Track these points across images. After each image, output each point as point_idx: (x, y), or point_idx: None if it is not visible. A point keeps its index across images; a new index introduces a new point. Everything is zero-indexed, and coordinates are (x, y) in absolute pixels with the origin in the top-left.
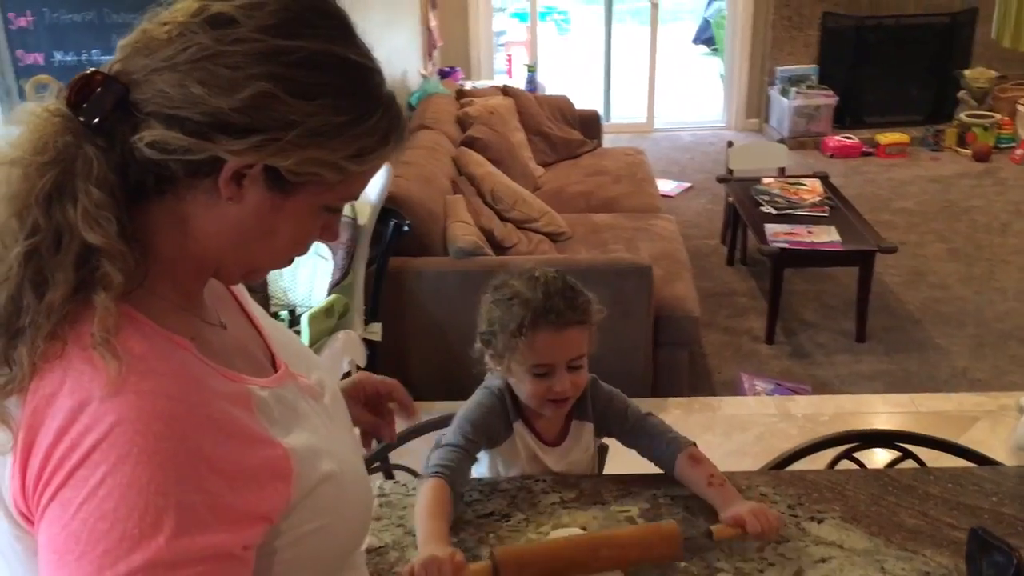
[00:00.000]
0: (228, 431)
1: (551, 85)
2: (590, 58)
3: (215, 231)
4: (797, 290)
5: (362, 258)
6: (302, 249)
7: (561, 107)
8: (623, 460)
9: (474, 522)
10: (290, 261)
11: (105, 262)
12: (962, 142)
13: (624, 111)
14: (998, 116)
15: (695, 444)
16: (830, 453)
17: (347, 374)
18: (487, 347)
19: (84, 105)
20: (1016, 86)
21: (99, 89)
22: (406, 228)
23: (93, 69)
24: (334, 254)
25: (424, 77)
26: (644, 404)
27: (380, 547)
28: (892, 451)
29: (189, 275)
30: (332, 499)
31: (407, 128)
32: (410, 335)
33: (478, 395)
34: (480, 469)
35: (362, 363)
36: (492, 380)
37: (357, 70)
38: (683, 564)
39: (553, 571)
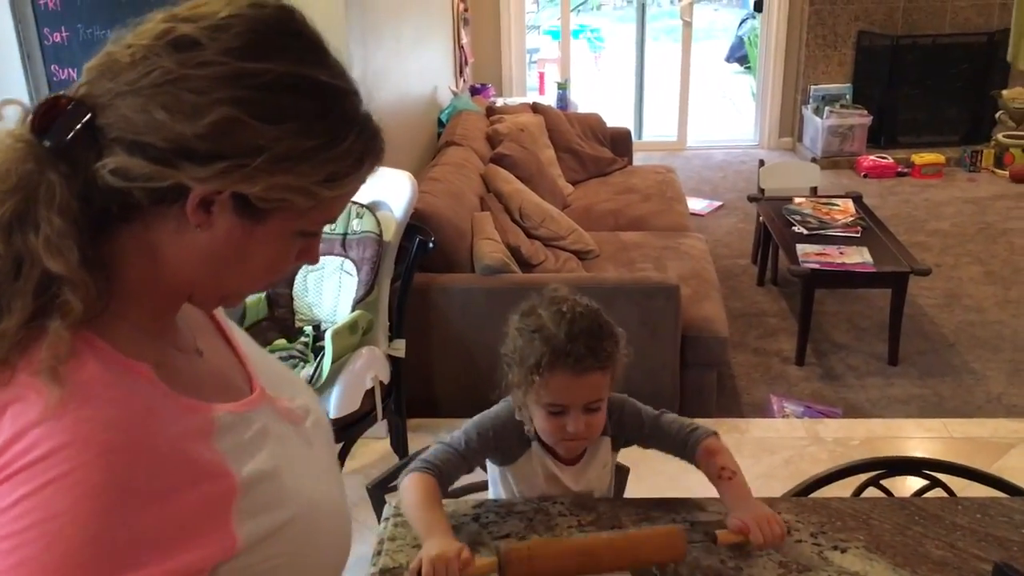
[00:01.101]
0: (169, 464)
1: (583, 103)
2: (622, 76)
3: (186, 258)
4: (828, 311)
5: (387, 274)
6: (278, 274)
7: (592, 125)
8: (644, 485)
9: (490, 545)
10: (269, 285)
11: (66, 290)
12: (999, 163)
13: (656, 129)
14: None
15: (716, 434)
16: (856, 480)
17: (370, 390)
18: (508, 370)
19: (49, 130)
20: None
21: (64, 113)
22: (431, 245)
23: (59, 93)
24: (359, 270)
25: (455, 94)
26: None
27: (394, 568)
28: (920, 479)
29: (160, 301)
30: (303, 529)
31: (383, 149)
32: (435, 352)
33: (499, 406)
34: (496, 490)
35: (385, 379)
36: (517, 396)
37: (328, 92)
38: None
39: (559, 569)
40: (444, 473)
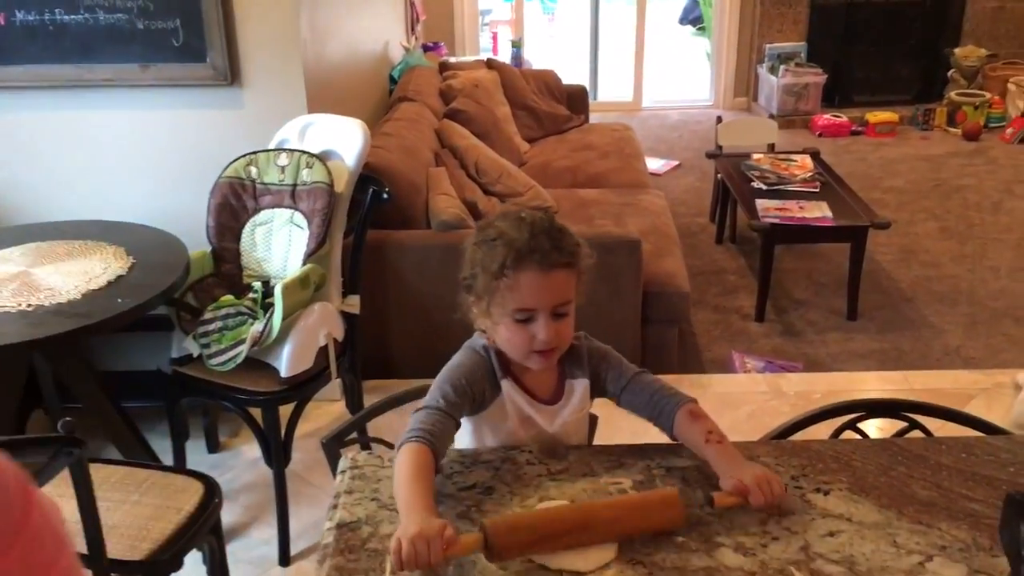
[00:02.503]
0: None
1: (537, 63)
2: (576, 38)
3: None
4: (787, 268)
5: (339, 227)
6: None
7: (547, 81)
8: (614, 433)
9: (455, 495)
10: None
11: None
12: (952, 121)
13: (611, 91)
14: (988, 95)
15: (695, 401)
16: (832, 424)
17: (324, 348)
18: (468, 292)
19: None
20: (1006, 65)
21: None
22: (385, 196)
23: None
24: (309, 222)
25: (407, 50)
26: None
27: (351, 522)
28: (896, 423)
29: None
30: None
31: None
32: (391, 310)
33: (459, 355)
34: (462, 440)
35: (339, 336)
36: (475, 340)
37: None
38: (681, 539)
39: (546, 541)
40: (438, 438)
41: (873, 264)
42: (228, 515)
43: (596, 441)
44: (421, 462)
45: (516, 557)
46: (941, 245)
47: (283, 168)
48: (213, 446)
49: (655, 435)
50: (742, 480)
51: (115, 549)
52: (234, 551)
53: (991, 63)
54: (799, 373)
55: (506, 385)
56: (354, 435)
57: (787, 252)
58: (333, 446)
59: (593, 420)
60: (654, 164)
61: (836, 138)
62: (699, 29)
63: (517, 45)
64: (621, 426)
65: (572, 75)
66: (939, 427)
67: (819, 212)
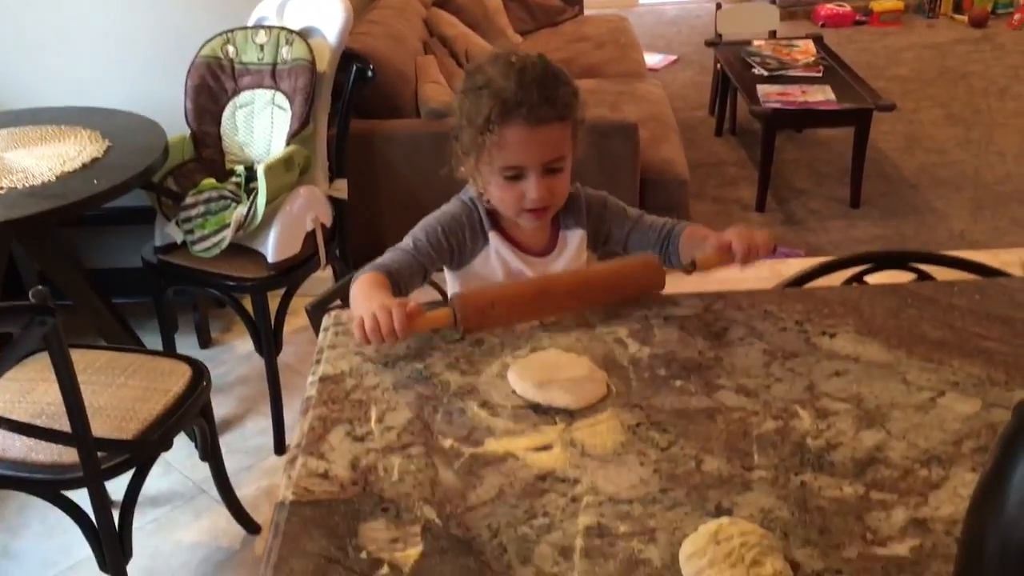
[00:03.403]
0: None
1: None
2: None
3: None
4: (789, 158)
5: (323, 108)
6: None
7: None
8: None
9: (442, 347)
10: None
11: None
12: (958, 8)
13: None
14: None
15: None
16: (838, 279)
17: (311, 232)
18: (456, 141)
19: None
20: None
21: None
22: (370, 74)
23: None
24: (291, 102)
25: None
26: None
27: (335, 375)
28: (907, 276)
29: None
30: None
31: None
32: (382, 200)
33: (447, 204)
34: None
35: (327, 222)
36: (466, 190)
37: None
38: (679, 382)
39: (522, 314)
40: (396, 273)
41: (877, 152)
42: (222, 408)
43: None
44: (379, 280)
45: (488, 327)
46: (946, 132)
47: (262, 46)
48: (205, 341)
49: None
50: (724, 237)
51: (101, 429)
52: (229, 442)
53: None
54: (801, 259)
55: (493, 237)
56: (339, 303)
57: (788, 142)
58: (318, 313)
59: None
60: (652, 59)
61: (839, 28)
62: None
63: None
64: None
65: None
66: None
67: (822, 96)
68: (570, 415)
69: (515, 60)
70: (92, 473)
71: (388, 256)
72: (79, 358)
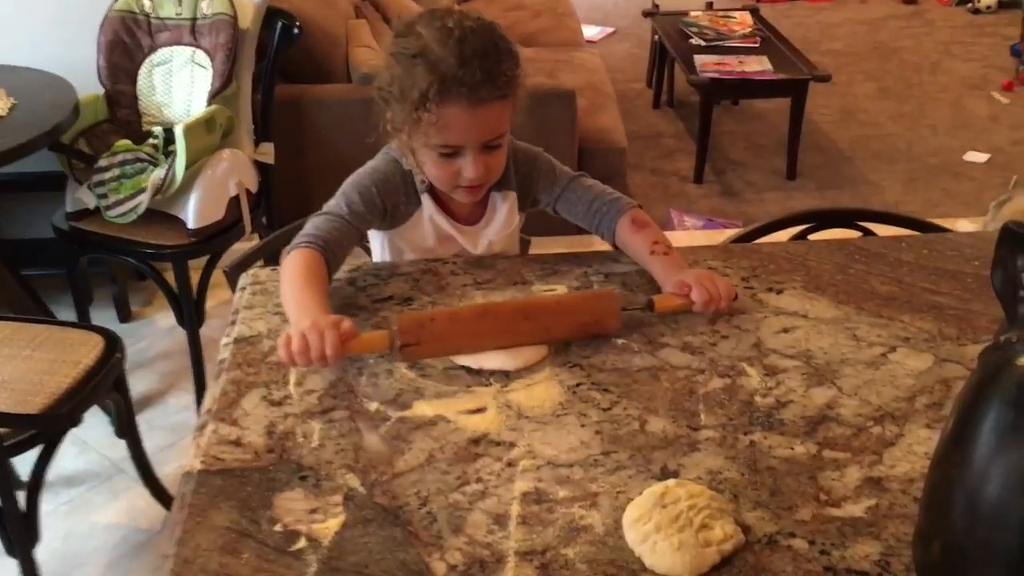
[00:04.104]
0: None
1: None
2: None
3: None
4: (726, 131)
5: (247, 67)
6: None
7: None
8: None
9: (368, 307)
10: None
11: None
12: None
13: None
14: None
15: (640, 206)
16: (785, 235)
17: (235, 197)
18: (386, 106)
19: None
20: None
21: None
22: (296, 31)
23: None
24: (212, 59)
25: None
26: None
27: (251, 336)
28: (853, 231)
29: None
30: None
31: None
32: (311, 169)
33: (375, 160)
34: (376, 256)
35: (253, 187)
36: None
37: None
38: (621, 340)
39: (465, 342)
40: (331, 245)
41: (812, 125)
42: (143, 384)
43: None
44: (312, 266)
45: (427, 356)
46: (880, 105)
47: (180, 0)
48: (124, 315)
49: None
50: (684, 280)
51: (5, 404)
52: (151, 419)
53: None
54: (739, 230)
55: (426, 201)
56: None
57: (725, 114)
58: (236, 274)
59: (525, 243)
60: (589, 31)
61: (774, 3)
62: None
63: None
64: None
65: None
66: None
67: (759, 66)
68: (505, 376)
69: (453, 26)
70: None
71: (321, 224)
72: None
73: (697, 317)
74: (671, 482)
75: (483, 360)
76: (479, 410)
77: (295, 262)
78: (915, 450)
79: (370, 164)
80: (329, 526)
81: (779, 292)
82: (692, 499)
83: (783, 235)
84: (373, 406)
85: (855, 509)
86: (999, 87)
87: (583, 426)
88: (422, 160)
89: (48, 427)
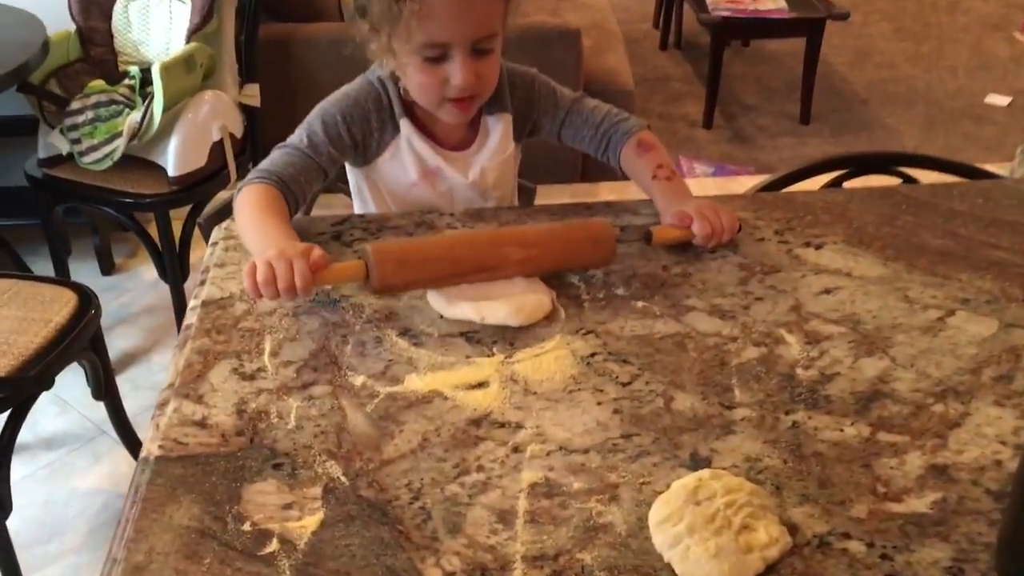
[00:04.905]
0: None
1: None
2: None
3: None
4: (736, 73)
5: (229, 3)
6: None
7: None
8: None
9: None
10: None
11: None
12: None
13: None
14: None
15: (648, 127)
16: (817, 183)
17: (218, 143)
18: (362, 17)
19: None
20: None
21: None
22: None
23: None
24: None
25: None
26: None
27: (222, 298)
28: (893, 178)
29: None
30: None
31: None
32: (300, 110)
33: (349, 85)
34: (362, 207)
35: (237, 131)
36: (373, 70)
37: None
38: (642, 303)
39: (447, 274)
40: (289, 181)
41: (826, 67)
42: (126, 340)
43: None
44: (269, 199)
45: (405, 288)
46: (896, 46)
47: None
48: (107, 268)
49: None
50: (684, 211)
51: None
52: (134, 378)
53: None
54: (751, 176)
55: (405, 126)
56: None
57: (736, 57)
58: (212, 226)
59: (529, 193)
60: None
61: None
62: None
63: None
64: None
65: None
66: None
67: (773, 5)
68: (510, 345)
69: None
70: None
71: (279, 158)
72: None
73: (726, 276)
74: (704, 473)
75: (484, 310)
76: (480, 385)
77: (250, 196)
78: (984, 432)
79: (341, 90)
80: (306, 525)
81: (818, 247)
82: (730, 494)
83: (813, 183)
84: (359, 380)
85: (919, 504)
86: (1020, 27)
87: (599, 404)
88: (405, 69)
89: (16, 391)
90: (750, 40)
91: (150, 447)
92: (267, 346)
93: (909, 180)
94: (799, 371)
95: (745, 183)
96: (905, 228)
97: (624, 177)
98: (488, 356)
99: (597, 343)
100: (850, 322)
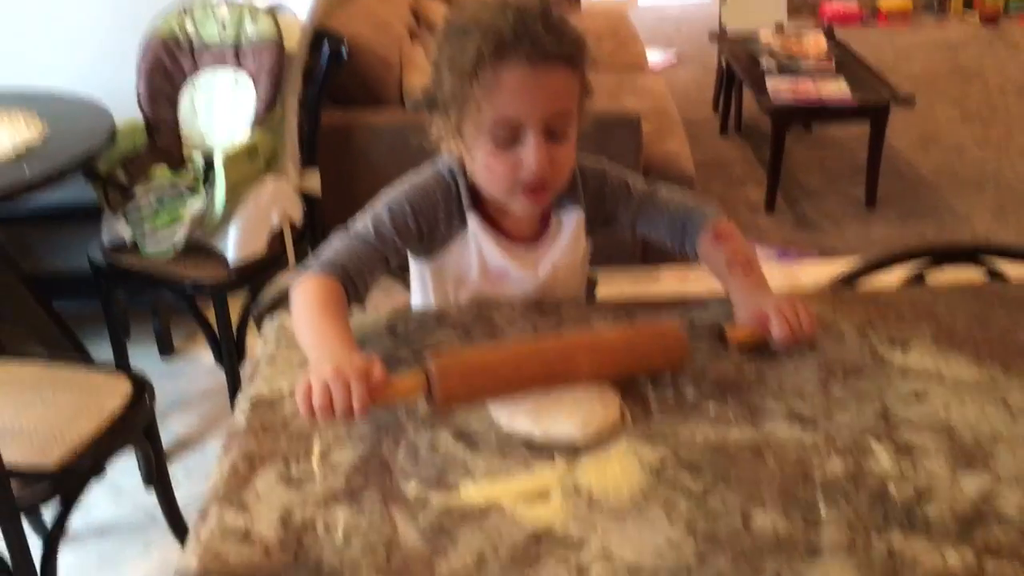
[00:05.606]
0: None
1: None
2: None
3: None
4: (798, 158)
5: (293, 92)
6: None
7: None
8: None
9: (410, 360)
10: None
11: None
12: (969, 5)
13: None
14: None
15: (724, 216)
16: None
17: (278, 231)
18: (432, 110)
19: None
20: None
21: None
22: (344, 55)
23: None
24: (256, 84)
25: None
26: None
27: (272, 396)
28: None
29: None
30: None
31: None
32: (362, 198)
33: (417, 173)
34: (422, 299)
35: (297, 217)
36: (442, 158)
37: None
38: (713, 406)
39: (511, 384)
40: (353, 272)
41: (891, 151)
42: (181, 425)
43: None
44: (328, 294)
45: (468, 401)
46: (963, 130)
47: (224, 22)
48: (166, 350)
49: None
50: (760, 309)
51: (20, 455)
52: (188, 464)
53: None
54: (817, 261)
55: (472, 220)
56: None
57: (797, 141)
58: (268, 315)
59: (592, 282)
60: (653, 57)
61: (846, 27)
62: None
63: None
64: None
65: None
66: None
67: (837, 90)
68: (574, 451)
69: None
70: (2, 508)
71: (342, 247)
72: (1, 373)
73: (804, 377)
74: None
75: (547, 425)
76: (541, 495)
77: (309, 289)
78: None
79: (408, 178)
80: None
81: (905, 348)
82: None
83: (890, 274)
84: (411, 487)
85: None
86: None
87: (670, 520)
88: (475, 154)
89: (66, 481)
90: (811, 125)
91: (189, 559)
92: (316, 448)
93: (993, 271)
94: (892, 487)
95: (810, 268)
96: (998, 327)
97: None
98: (550, 463)
99: (667, 451)
100: (945, 431)
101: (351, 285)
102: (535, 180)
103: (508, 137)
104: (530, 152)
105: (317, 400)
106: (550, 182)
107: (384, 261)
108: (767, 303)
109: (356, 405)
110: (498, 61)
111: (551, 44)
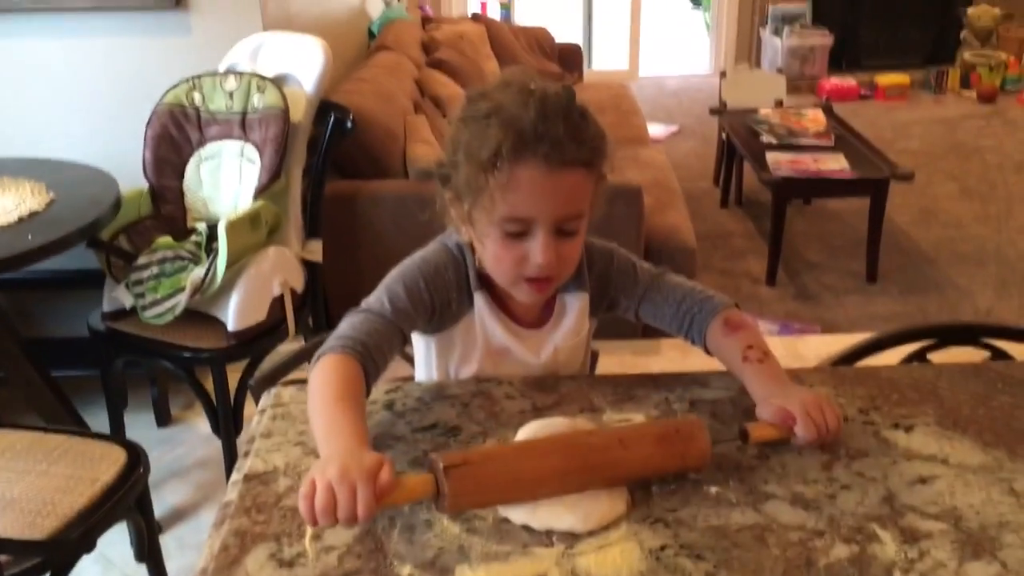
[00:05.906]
0: None
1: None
2: (569, 6)
3: None
4: (798, 231)
5: (297, 162)
6: None
7: (538, 38)
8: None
9: (407, 437)
10: None
11: None
12: (966, 83)
13: (605, 61)
14: (1004, 56)
15: (734, 305)
16: (897, 356)
17: (279, 298)
18: (445, 185)
19: None
20: (1022, 25)
21: None
22: (350, 126)
23: None
24: (261, 154)
25: (387, 4)
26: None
27: (266, 472)
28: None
29: None
30: None
31: None
32: (365, 268)
33: (426, 249)
34: (425, 374)
35: (298, 287)
36: (450, 235)
37: None
38: (716, 489)
39: (525, 487)
40: (371, 351)
41: (891, 225)
42: (176, 495)
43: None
44: (348, 378)
45: (479, 506)
46: (963, 206)
47: (231, 93)
48: (163, 419)
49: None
50: (785, 406)
51: (11, 527)
52: (181, 536)
53: (1006, 23)
54: (819, 335)
55: (479, 300)
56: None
57: (797, 215)
58: (263, 389)
59: (594, 356)
60: (654, 130)
61: (844, 102)
62: (695, 2)
63: (506, 7)
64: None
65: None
66: None
67: (836, 164)
68: (571, 534)
69: (534, 87)
70: None
71: (361, 324)
72: None
73: (807, 460)
74: None
75: (547, 518)
76: None
77: (328, 370)
78: None
79: (419, 253)
80: None
81: (908, 429)
82: None
83: (893, 356)
84: (406, 571)
85: None
86: None
87: None
88: (482, 242)
89: (55, 554)
90: (811, 199)
91: None
92: (308, 528)
93: (997, 351)
94: (898, 575)
95: (811, 342)
96: (1003, 410)
97: (707, 353)
98: (546, 547)
99: (667, 534)
100: (951, 518)
101: (371, 362)
102: (540, 274)
103: (518, 231)
104: (538, 248)
105: (319, 502)
106: (555, 276)
107: (401, 336)
108: (792, 401)
109: (361, 511)
110: (516, 159)
111: (570, 149)
